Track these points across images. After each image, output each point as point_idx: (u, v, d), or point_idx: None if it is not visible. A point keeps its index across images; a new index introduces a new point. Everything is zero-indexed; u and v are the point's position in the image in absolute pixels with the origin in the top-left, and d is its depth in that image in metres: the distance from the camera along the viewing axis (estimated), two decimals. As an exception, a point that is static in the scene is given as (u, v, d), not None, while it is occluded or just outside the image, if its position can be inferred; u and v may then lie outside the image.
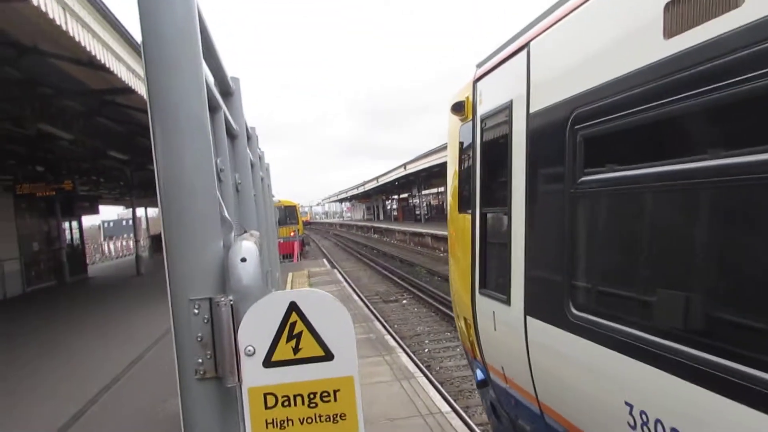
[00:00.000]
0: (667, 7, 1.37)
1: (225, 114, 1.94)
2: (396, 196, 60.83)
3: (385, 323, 11.42)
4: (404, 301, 14.58)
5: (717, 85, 1.19)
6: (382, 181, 50.22)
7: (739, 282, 1.27)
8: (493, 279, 2.80)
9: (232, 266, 1.21)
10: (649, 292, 1.56)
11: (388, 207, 66.44)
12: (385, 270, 21.87)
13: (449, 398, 6.45)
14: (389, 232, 42.82)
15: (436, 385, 6.99)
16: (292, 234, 27.26)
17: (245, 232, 2.19)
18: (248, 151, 2.85)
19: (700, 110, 1.29)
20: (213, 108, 1.69)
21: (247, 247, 1.25)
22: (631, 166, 1.62)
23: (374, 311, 12.56)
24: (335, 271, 20.00)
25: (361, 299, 14.23)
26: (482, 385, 3.18)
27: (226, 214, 1.40)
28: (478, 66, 2.83)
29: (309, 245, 38.69)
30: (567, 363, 1.97)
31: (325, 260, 25.38)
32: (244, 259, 1.23)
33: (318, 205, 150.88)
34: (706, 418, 1.29)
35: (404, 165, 39.61)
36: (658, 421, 1.48)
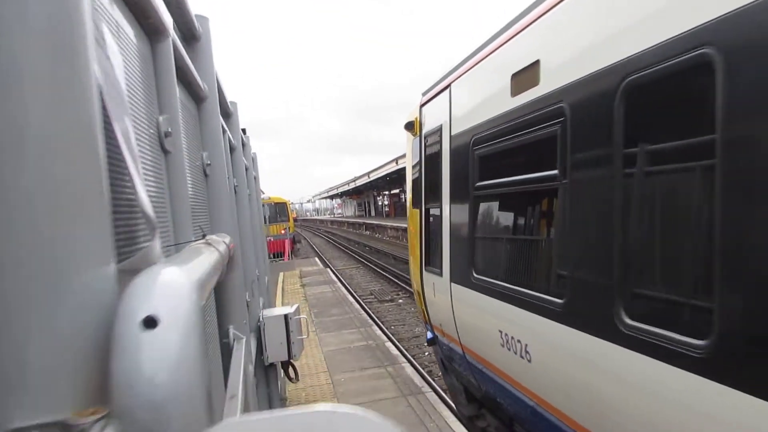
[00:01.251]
0: (512, 77, 2.46)
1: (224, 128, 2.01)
2: (387, 192, 60.29)
3: (384, 329, 10.68)
4: (400, 301, 14.06)
5: (533, 127, 2.27)
6: (374, 176, 49.61)
7: (545, 248, 2.36)
8: (432, 258, 3.95)
9: (119, 340, 0.50)
10: (508, 258, 2.68)
11: (380, 203, 65.81)
12: (378, 267, 21.28)
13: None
14: (381, 228, 42.25)
15: (447, 401, 6.20)
16: (282, 232, 26.78)
17: (203, 236, 1.36)
18: (243, 157, 3.01)
19: (528, 143, 2.35)
20: (200, 99, 1.68)
21: (167, 285, 0.56)
22: (497, 177, 2.69)
23: (371, 314, 11.83)
24: (328, 270, 19.44)
25: (357, 300, 13.54)
26: (431, 342, 4.46)
27: (149, 209, 0.69)
28: (423, 94, 3.97)
29: (300, 243, 38.15)
30: (471, 310, 3.14)
31: (317, 258, 24.92)
32: (151, 322, 0.52)
33: (309, 201, 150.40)
34: (530, 328, 2.47)
35: (395, 160, 39.45)
36: (514, 338, 2.63)
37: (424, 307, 4.54)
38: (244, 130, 4.75)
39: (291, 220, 30.02)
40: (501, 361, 2.93)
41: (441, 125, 3.64)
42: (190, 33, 1.76)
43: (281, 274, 18.26)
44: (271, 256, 25.81)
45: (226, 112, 3.38)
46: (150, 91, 1.19)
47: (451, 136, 3.44)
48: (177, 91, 1.31)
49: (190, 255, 0.84)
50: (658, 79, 1.65)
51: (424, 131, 4.13)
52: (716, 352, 1.40)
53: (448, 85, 3.55)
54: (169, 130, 1.23)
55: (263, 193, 31.81)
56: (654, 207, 1.74)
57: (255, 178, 6.14)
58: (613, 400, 1.93)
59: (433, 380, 7.21)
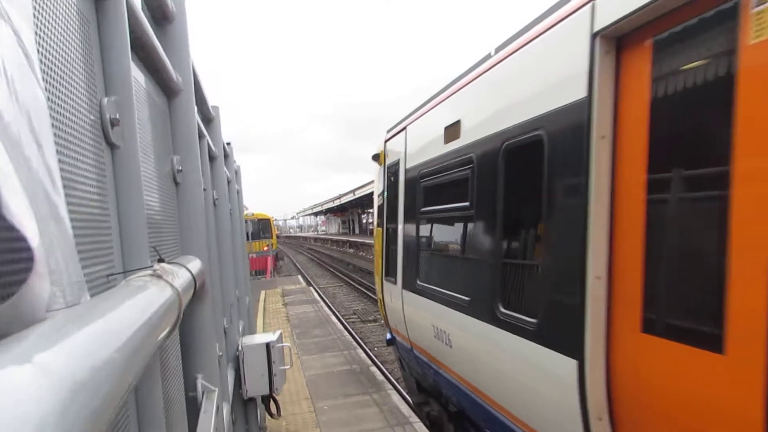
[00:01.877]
0: (445, 128, 3.44)
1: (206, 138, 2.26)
2: (372, 210, 60.39)
3: (369, 351, 10.34)
4: (383, 321, 13.95)
5: (457, 169, 3.19)
6: (359, 194, 49.52)
7: (460, 261, 3.28)
8: (390, 269, 4.96)
9: None
10: (438, 267, 3.66)
11: (364, 221, 65.74)
12: (361, 286, 20.98)
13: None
14: (365, 246, 42.06)
15: (436, 433, 5.83)
16: (265, 248, 26.36)
17: (159, 261, 1.06)
18: (225, 168, 3.31)
19: (453, 180, 3.27)
20: (172, 92, 1.64)
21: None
22: (434, 205, 3.78)
23: (355, 335, 11.46)
24: (311, 289, 19.06)
25: (340, 320, 13.18)
26: (390, 343, 5.43)
27: (26, 223, 0.45)
28: (387, 131, 5.06)
29: (283, 260, 37.71)
30: (416, 311, 4.08)
31: (300, 277, 24.48)
32: None
33: (293, 218, 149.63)
34: (451, 320, 3.41)
35: (381, 179, 39.81)
36: (442, 330, 3.58)
37: (384, 313, 5.73)
38: (228, 144, 5.00)
39: (274, 236, 29.68)
40: (434, 349, 3.97)
41: (399, 159, 4.83)
42: (161, 11, 1.45)
43: (263, 292, 17.89)
44: (253, 273, 25.38)
45: (207, 116, 3.31)
46: (91, 64, 0.95)
47: (405, 169, 4.60)
48: (131, 68, 1.05)
49: (109, 302, 0.51)
50: (518, 145, 2.72)
51: (387, 163, 5.36)
52: (539, 327, 2.49)
53: (405, 128, 4.74)
54: (118, 117, 1.00)
55: (246, 209, 31.43)
56: (524, 230, 2.76)
57: (238, 192, 5.92)
58: (493, 365, 2.99)
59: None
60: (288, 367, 3.66)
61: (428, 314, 4.01)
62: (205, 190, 2.17)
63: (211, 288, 2.16)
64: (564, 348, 2.22)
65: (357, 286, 21.52)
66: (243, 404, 3.48)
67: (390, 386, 7.13)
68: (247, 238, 20.09)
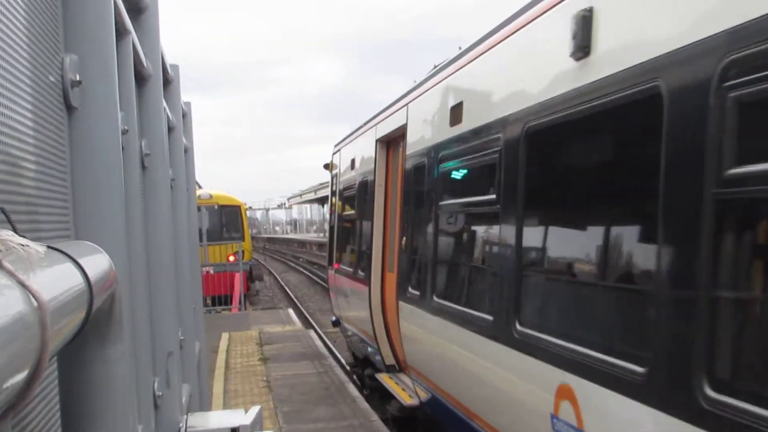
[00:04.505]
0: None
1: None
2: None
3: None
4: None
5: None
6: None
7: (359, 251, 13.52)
8: (329, 257, 17.03)
9: None
10: (349, 253, 15.32)
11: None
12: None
13: None
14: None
15: None
16: (231, 259, 26.93)
17: None
18: (164, 102, 4.02)
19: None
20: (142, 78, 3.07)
21: None
22: (348, 211, 15.78)
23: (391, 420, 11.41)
24: (311, 333, 19.26)
25: (363, 390, 13.10)
26: (335, 324, 15.92)
27: None
28: (335, 146, 16.72)
29: (262, 280, 38.44)
30: (339, 288, 15.43)
31: (290, 311, 24.86)
32: None
33: (280, 206, 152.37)
34: (344, 288, 15.03)
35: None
36: (349, 300, 14.86)
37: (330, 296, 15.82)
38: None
39: (247, 237, 30.23)
40: (345, 316, 14.79)
41: (336, 173, 15.32)
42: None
43: (225, 336, 18.26)
44: (208, 302, 25.99)
45: (166, 79, 4.23)
46: (49, 17, 1.40)
47: (338, 180, 15.13)
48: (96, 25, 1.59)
49: None
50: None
51: (333, 172, 15.57)
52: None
53: (338, 150, 15.40)
54: (78, 78, 1.49)
55: (198, 188, 32.09)
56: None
57: (187, 150, 6.20)
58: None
59: None
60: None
61: (342, 292, 12.66)
62: (126, 132, 2.30)
63: (129, 316, 2.17)
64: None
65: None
66: None
67: None
68: (200, 239, 20.53)
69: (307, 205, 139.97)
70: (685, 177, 3.69)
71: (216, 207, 28.64)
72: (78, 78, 1.83)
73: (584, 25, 4.66)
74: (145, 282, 3.16)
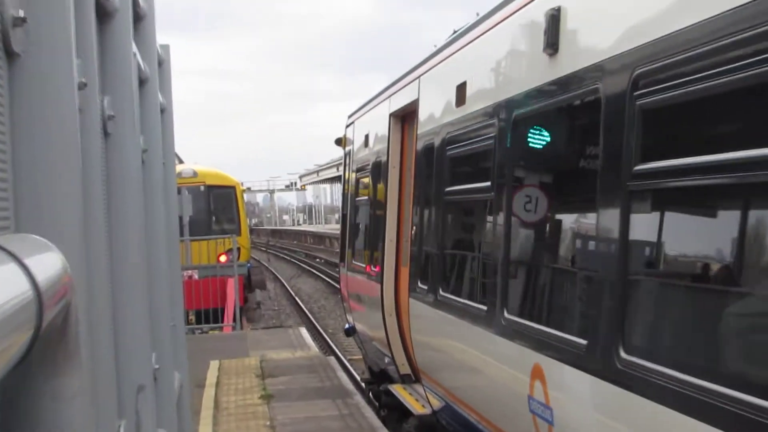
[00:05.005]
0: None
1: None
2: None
3: None
4: None
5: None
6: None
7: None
8: (343, 253, 20.09)
9: None
10: (362, 245, 18.11)
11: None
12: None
13: None
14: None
15: None
16: (222, 260, 27.14)
17: None
18: (134, 46, 4.21)
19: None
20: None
21: None
22: (363, 196, 18.30)
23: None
24: (332, 361, 19.42)
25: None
26: (349, 333, 19.00)
27: None
28: (349, 117, 19.95)
29: (266, 289, 38.69)
30: (351, 288, 18.62)
31: (303, 330, 25.08)
32: None
33: (291, 188, 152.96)
34: (359, 290, 17.85)
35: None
36: (364, 303, 17.67)
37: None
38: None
39: (244, 230, 30.34)
40: (358, 322, 17.26)
41: (350, 150, 19.09)
42: None
43: (214, 365, 18.38)
44: (191, 319, 26.11)
45: (137, 13, 4.23)
46: None
47: (352, 159, 18.76)
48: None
49: None
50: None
51: (347, 148, 19.42)
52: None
53: (352, 123, 18.68)
54: (21, 14, 1.57)
55: (179, 162, 32.15)
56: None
57: (164, 111, 6.26)
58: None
59: None
60: None
61: (373, 301, 14.70)
62: (84, 87, 2.37)
63: (88, 336, 2.22)
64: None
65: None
66: None
67: None
68: (181, 233, 20.68)
69: (327, 186, 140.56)
70: (611, 174, 6.01)
71: (202, 188, 28.89)
72: (21, 14, 1.82)
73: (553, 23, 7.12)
74: (108, 290, 3.17)
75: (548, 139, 8.16)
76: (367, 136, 16.42)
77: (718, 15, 4.79)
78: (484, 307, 8.80)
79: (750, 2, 4.54)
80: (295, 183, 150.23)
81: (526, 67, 8.23)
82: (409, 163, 13.16)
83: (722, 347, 5.15)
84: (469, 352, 9.54)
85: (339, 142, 20.42)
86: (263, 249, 79.89)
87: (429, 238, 11.44)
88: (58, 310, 1.45)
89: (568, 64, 6.88)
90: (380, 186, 14.44)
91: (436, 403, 11.10)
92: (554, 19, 7.02)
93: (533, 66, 7.83)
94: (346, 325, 18.77)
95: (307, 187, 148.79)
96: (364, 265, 16.06)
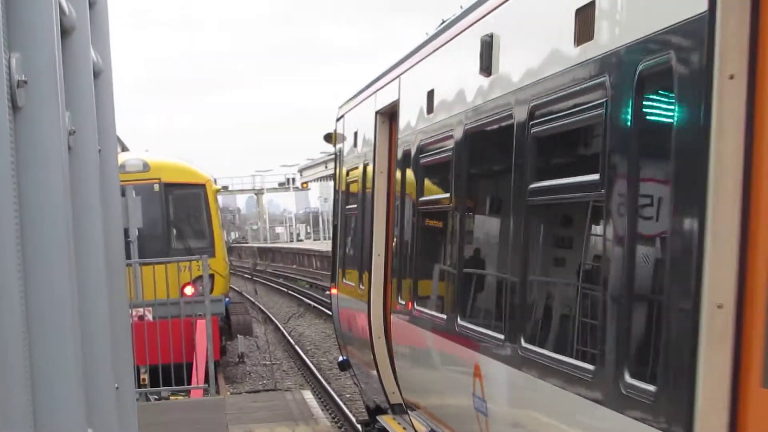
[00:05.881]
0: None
1: None
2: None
3: None
4: None
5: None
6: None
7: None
8: (334, 272, 27.49)
9: None
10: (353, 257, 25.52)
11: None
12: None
13: None
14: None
15: None
16: (188, 293, 27.38)
17: None
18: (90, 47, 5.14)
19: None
20: None
21: None
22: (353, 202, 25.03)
23: None
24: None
25: None
26: (343, 367, 25.48)
27: None
28: (339, 108, 26.20)
29: (253, 335, 38.84)
30: (342, 312, 25.36)
31: (307, 393, 25.03)
32: None
33: (286, 186, 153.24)
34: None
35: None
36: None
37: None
38: None
39: (220, 248, 30.40)
40: (351, 351, 22.81)
41: (340, 149, 24.93)
42: None
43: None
44: (144, 379, 26.14)
45: None
46: None
47: (342, 158, 25.00)
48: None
49: None
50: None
51: (337, 146, 25.49)
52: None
53: (342, 116, 24.57)
54: None
55: (122, 150, 32.01)
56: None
57: (97, 73, 6.19)
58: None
59: None
60: None
61: (362, 318, 19.83)
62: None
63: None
64: None
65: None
66: None
67: None
68: (127, 253, 20.76)
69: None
70: (516, 193, 10.10)
71: (157, 187, 29.12)
72: None
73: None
74: (21, 337, 3.18)
75: (485, 155, 12.44)
76: (356, 134, 20.68)
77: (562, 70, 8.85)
78: (435, 313, 13.31)
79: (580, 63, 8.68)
80: (293, 179, 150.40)
81: (471, 86, 12.07)
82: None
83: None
84: (437, 365, 13.67)
85: (329, 138, 25.22)
86: (248, 276, 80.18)
87: (404, 249, 15.42)
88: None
89: (497, 89, 11.00)
90: (366, 193, 18.14)
91: (423, 430, 14.37)
92: (488, 44, 10.99)
93: (474, 85, 11.86)
94: (340, 358, 23.35)
95: (311, 184, 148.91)
96: (353, 284, 19.96)
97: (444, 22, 15.11)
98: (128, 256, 19.62)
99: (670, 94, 7.44)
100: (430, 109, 13.74)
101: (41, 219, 3.77)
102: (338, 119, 24.05)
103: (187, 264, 26.99)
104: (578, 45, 8.67)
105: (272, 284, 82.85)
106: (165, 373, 25.41)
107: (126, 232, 19.01)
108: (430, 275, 14.23)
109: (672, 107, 7.55)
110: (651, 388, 7.27)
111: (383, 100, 17.35)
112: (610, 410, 7.71)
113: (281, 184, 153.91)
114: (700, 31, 7.28)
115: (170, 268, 27.10)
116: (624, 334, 7.76)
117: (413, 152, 14.18)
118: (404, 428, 15.97)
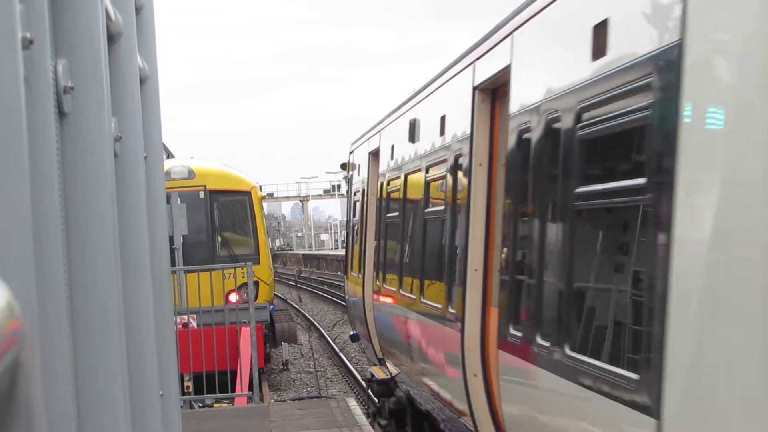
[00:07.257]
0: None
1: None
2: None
3: None
4: None
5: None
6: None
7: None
8: (348, 264, 40.37)
9: None
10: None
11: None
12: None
13: None
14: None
15: None
16: (233, 300, 27.32)
17: None
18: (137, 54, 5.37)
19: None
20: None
21: None
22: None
23: None
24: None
25: None
26: (354, 339, 35.18)
27: None
28: (352, 144, 39.44)
29: (297, 343, 38.86)
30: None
31: (352, 401, 24.98)
32: None
33: (331, 193, 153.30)
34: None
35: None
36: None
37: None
38: None
39: (265, 256, 30.41)
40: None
41: (351, 174, 38.65)
42: None
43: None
44: (188, 386, 26.12)
45: None
46: None
47: (352, 181, 38.43)
48: None
49: None
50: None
51: (351, 172, 38.72)
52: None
53: (352, 151, 37.88)
54: None
55: (168, 157, 32.08)
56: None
57: (143, 78, 6.22)
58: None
59: None
60: None
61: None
62: (30, 45, 2.42)
63: (43, 407, 2.25)
64: None
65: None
66: None
67: None
68: (172, 260, 20.76)
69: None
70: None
71: (202, 194, 29.12)
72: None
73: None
74: (69, 343, 3.19)
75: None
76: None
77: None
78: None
79: None
80: (338, 186, 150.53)
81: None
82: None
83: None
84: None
85: (344, 166, 30.07)
86: (292, 283, 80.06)
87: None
88: (2, 369, 1.45)
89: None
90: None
91: None
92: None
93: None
94: (352, 332, 28.20)
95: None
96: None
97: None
98: (173, 264, 19.60)
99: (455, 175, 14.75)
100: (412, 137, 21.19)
101: (87, 225, 3.82)
102: (350, 152, 32.83)
103: (231, 271, 26.99)
104: None
105: (317, 291, 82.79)
106: (209, 381, 25.49)
107: (171, 239, 18.98)
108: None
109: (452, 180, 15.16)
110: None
111: (374, 144, 24.97)
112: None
113: (326, 191, 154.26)
114: (467, 141, 14.32)
115: (215, 276, 27.02)
116: None
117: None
118: None
